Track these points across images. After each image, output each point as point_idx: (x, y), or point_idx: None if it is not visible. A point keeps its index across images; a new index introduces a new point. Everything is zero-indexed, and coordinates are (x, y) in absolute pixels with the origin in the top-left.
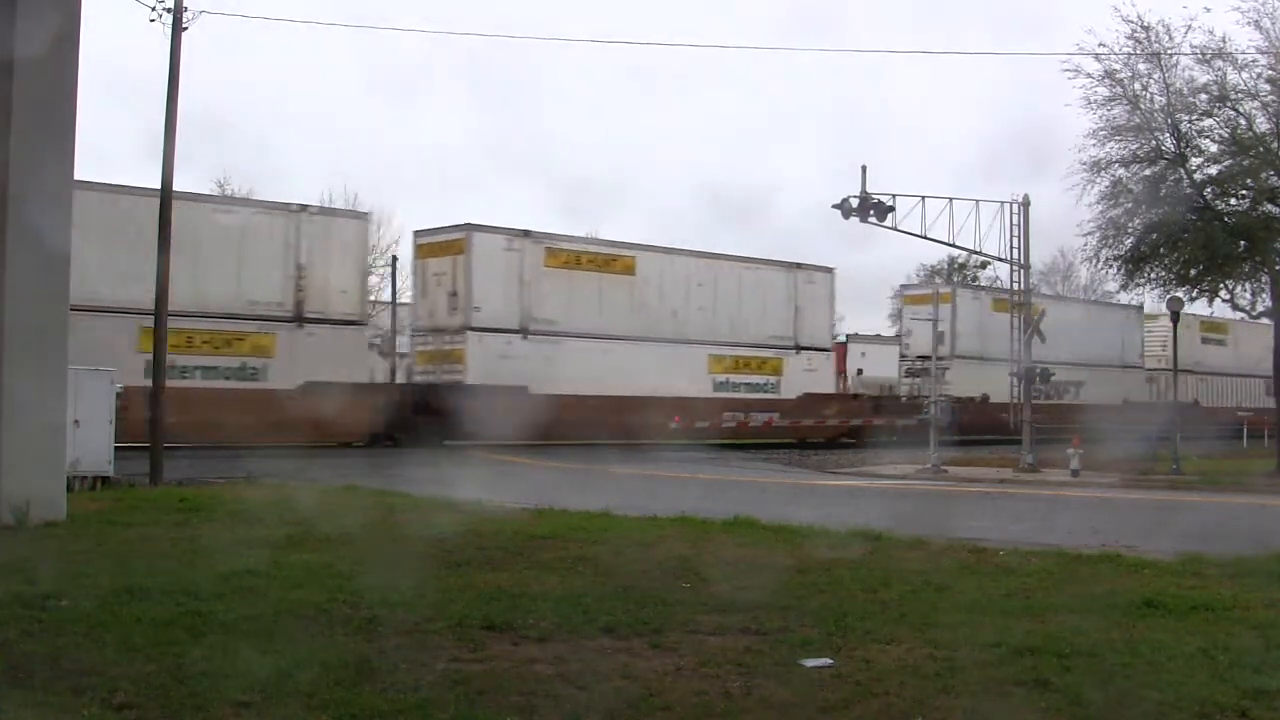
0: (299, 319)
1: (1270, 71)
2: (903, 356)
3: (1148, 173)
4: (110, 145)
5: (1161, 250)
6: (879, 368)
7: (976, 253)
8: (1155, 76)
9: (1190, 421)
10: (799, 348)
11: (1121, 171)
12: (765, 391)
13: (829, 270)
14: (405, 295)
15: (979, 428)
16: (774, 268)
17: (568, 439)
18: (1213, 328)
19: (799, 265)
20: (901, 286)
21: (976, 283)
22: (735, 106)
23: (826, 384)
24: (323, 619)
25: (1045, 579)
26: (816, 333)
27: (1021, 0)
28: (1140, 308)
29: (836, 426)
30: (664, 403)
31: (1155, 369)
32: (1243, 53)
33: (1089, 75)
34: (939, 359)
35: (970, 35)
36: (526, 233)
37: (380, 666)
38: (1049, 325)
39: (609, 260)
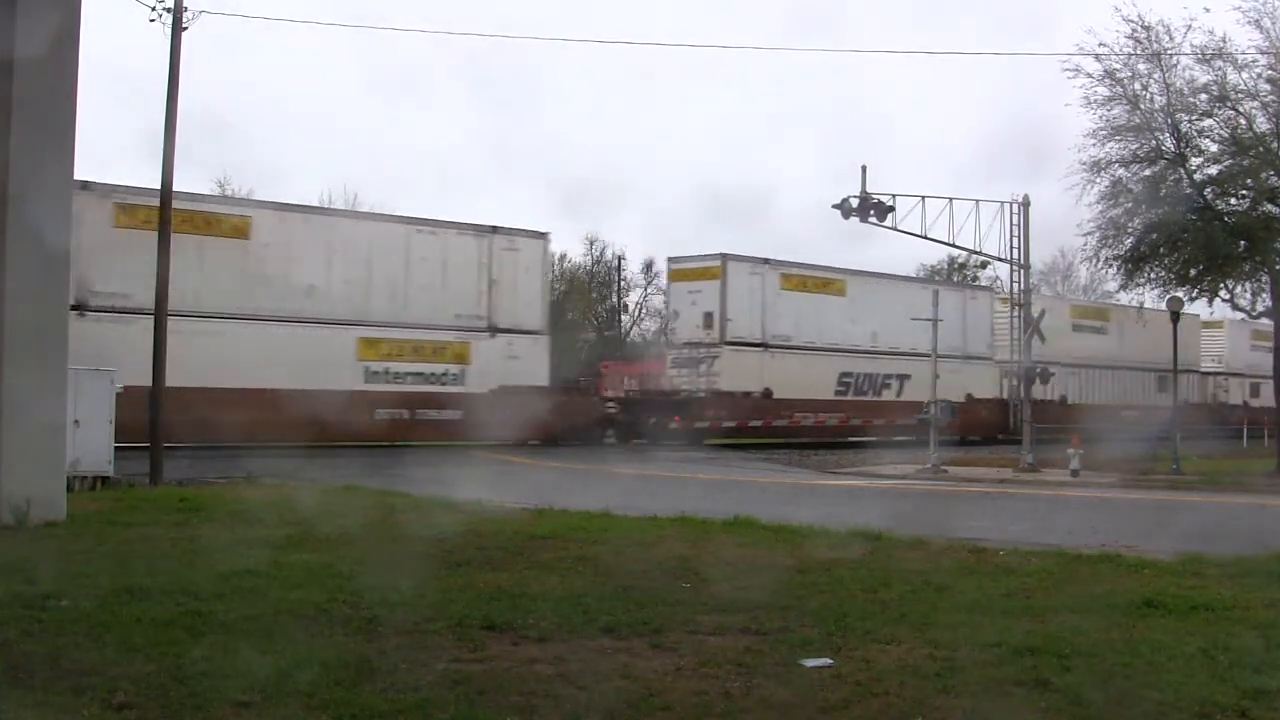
0: None
1: (1270, 71)
2: (669, 343)
3: (1148, 173)
4: (110, 145)
5: (1161, 250)
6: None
7: (976, 253)
8: (1155, 76)
9: (1051, 420)
10: (495, 330)
11: (1121, 171)
12: (443, 383)
13: (540, 235)
14: None
15: (762, 430)
16: (457, 231)
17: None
18: (1089, 313)
19: (495, 229)
20: (669, 259)
21: (974, 277)
22: (735, 106)
23: (537, 374)
24: (323, 619)
25: (1045, 579)
26: (522, 311)
27: (1021, 0)
28: (989, 287)
29: (566, 427)
30: (289, 396)
31: (1012, 361)
32: (1243, 53)
33: (1089, 75)
34: (708, 345)
35: (970, 35)
36: (86, 185)
37: (380, 666)
38: (849, 301)
39: (211, 220)
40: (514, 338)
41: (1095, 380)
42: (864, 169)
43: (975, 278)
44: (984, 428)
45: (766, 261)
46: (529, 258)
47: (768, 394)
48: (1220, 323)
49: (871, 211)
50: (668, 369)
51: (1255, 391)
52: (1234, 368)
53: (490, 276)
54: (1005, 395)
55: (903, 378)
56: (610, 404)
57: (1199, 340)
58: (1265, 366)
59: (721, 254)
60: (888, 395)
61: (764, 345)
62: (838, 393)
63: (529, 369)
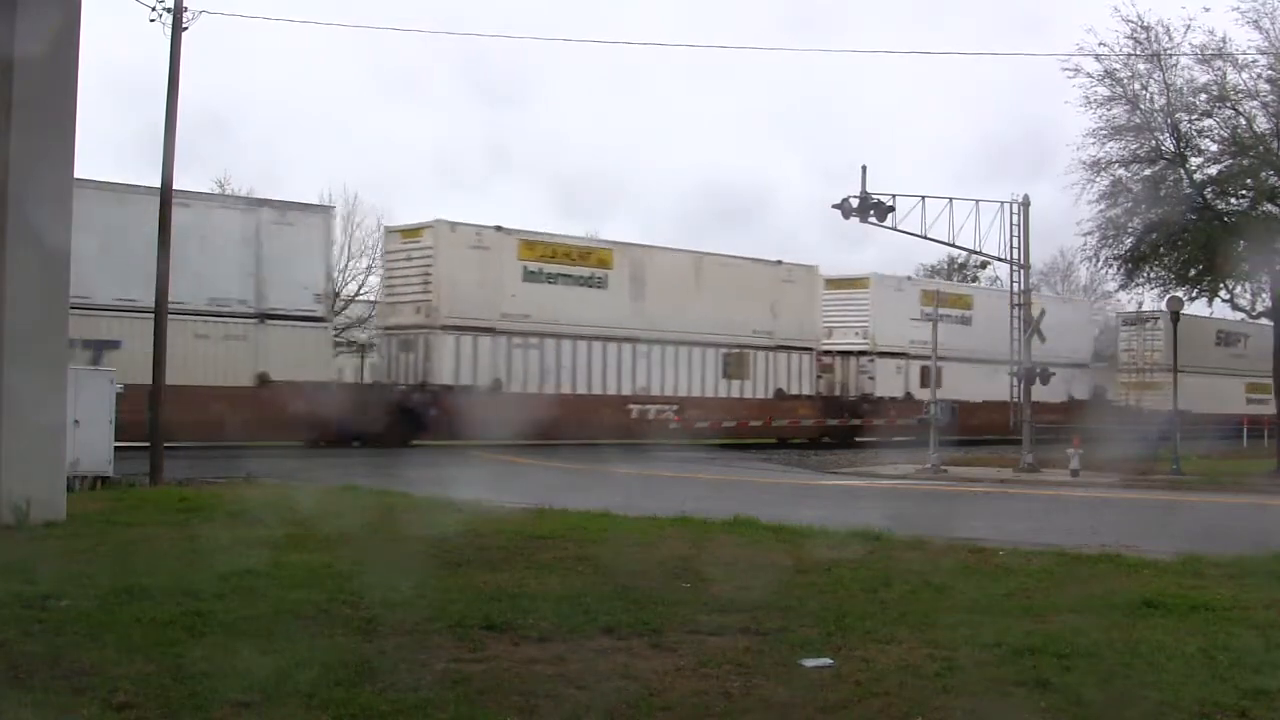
0: None
1: (1270, 71)
2: None
3: (1148, 173)
4: (110, 145)
5: (1161, 250)
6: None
7: (976, 253)
8: (1155, 76)
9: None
10: None
11: (1121, 171)
12: None
13: None
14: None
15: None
16: None
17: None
18: (567, 257)
19: None
20: None
21: (974, 277)
22: (735, 106)
23: None
24: (323, 619)
25: (1045, 579)
26: None
27: (1021, 0)
28: (324, 207)
29: None
30: None
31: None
32: (1243, 53)
33: (1089, 75)
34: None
35: (970, 35)
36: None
37: (380, 666)
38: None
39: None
40: None
41: (580, 358)
42: (864, 169)
43: (975, 277)
44: (296, 424)
45: None
46: None
47: None
48: (864, 280)
49: (871, 211)
50: None
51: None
52: (888, 344)
53: None
54: (374, 378)
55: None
56: None
57: (816, 303)
58: (951, 345)
59: None
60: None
61: None
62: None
63: None
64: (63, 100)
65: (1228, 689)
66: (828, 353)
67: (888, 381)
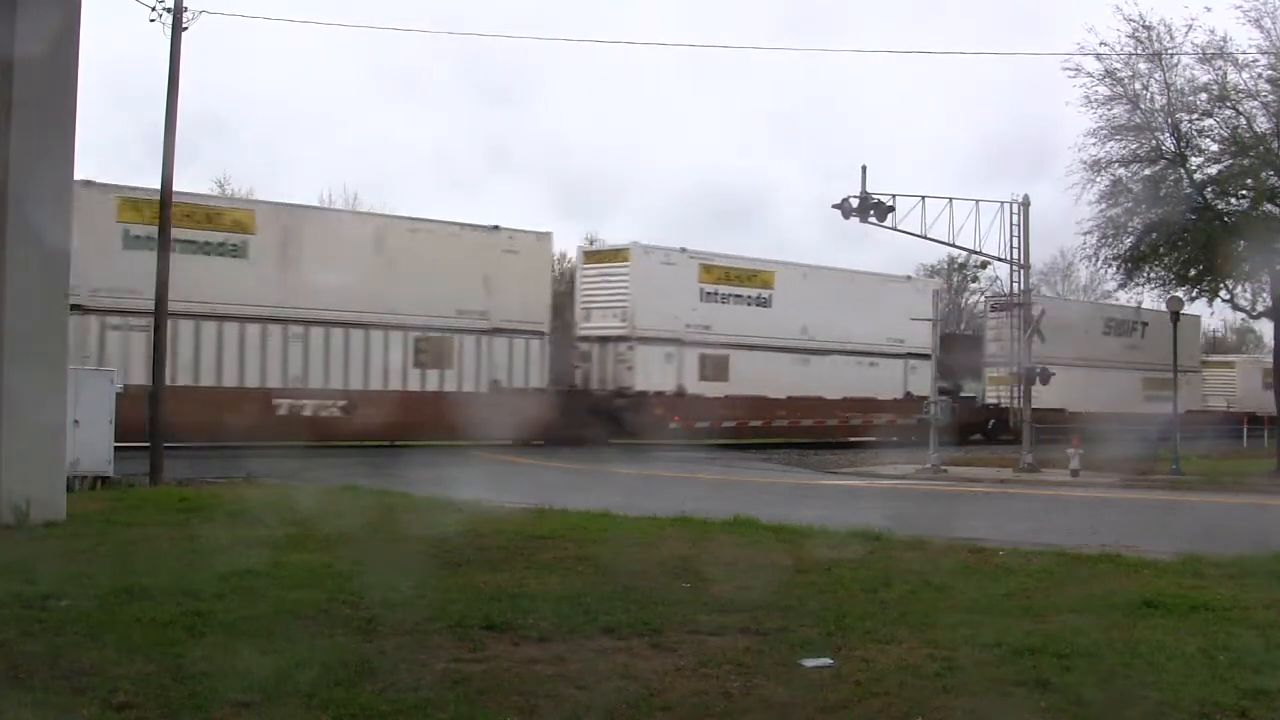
0: None
1: (1270, 71)
2: None
3: (1148, 172)
4: (110, 145)
5: (1161, 250)
6: None
7: (976, 253)
8: (1156, 76)
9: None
10: None
11: (1121, 171)
12: None
13: None
14: None
15: None
16: None
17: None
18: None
19: None
20: None
21: (974, 277)
22: (735, 106)
23: None
24: (323, 619)
25: (1045, 579)
26: None
27: (1021, 0)
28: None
29: None
30: None
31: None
32: (1243, 52)
33: (1090, 74)
34: None
35: (970, 35)
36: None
37: (380, 666)
38: None
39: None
40: None
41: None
42: (864, 169)
43: (975, 277)
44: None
45: None
46: None
47: None
48: (624, 252)
49: (871, 211)
50: None
51: (718, 370)
52: (653, 328)
53: None
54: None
55: None
56: None
57: (548, 278)
58: (745, 330)
59: None
60: None
61: None
62: None
63: None
64: (63, 100)
65: (1228, 689)
66: (585, 338)
67: (653, 372)
